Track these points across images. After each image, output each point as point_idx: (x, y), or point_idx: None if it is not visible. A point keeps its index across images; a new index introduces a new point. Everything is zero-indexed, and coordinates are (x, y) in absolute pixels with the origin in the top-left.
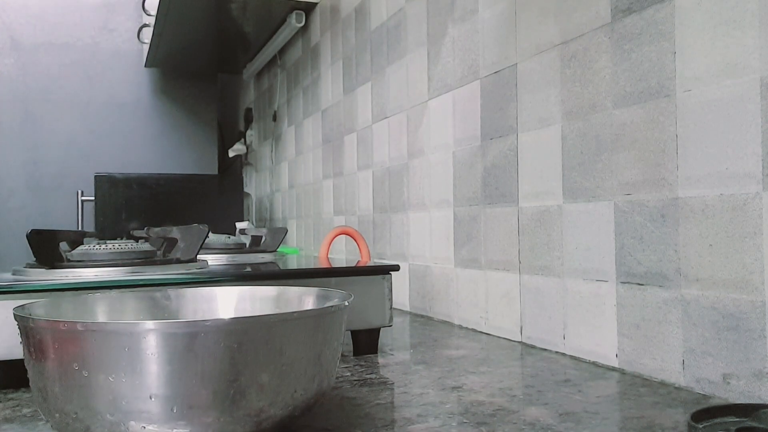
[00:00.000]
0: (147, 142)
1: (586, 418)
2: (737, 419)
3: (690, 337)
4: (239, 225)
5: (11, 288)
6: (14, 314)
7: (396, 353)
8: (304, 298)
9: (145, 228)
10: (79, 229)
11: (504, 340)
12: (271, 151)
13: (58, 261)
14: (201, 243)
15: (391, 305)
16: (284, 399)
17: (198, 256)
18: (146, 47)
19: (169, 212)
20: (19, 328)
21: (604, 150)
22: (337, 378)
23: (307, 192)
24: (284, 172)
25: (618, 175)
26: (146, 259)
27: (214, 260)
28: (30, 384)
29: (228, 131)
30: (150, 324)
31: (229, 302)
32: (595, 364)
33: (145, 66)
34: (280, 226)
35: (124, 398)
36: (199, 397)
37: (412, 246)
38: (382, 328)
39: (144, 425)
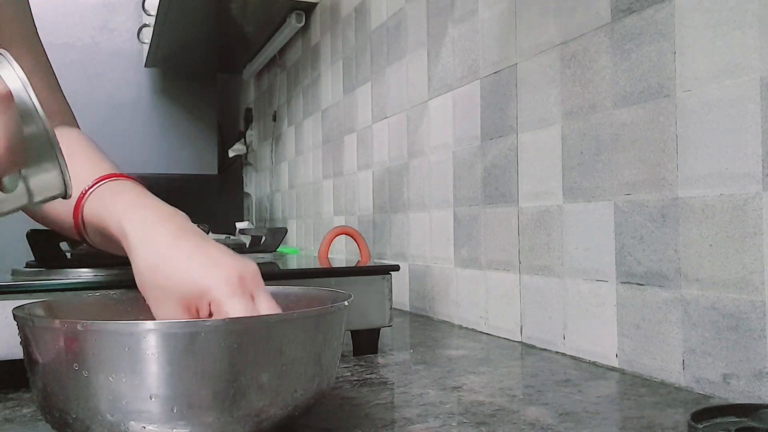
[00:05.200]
0: (147, 142)
1: (586, 418)
2: (737, 419)
3: (690, 337)
4: (239, 225)
5: (11, 288)
6: (13, 314)
7: (396, 353)
8: (303, 298)
9: None
10: None
11: (504, 340)
12: (271, 151)
13: (58, 261)
14: None
15: (391, 305)
16: (284, 399)
17: None
18: (146, 47)
19: None
20: (18, 328)
21: (604, 150)
22: (337, 378)
23: (307, 192)
24: (284, 172)
25: (618, 175)
26: None
27: None
28: (30, 384)
29: (228, 131)
30: (150, 324)
31: None
32: (595, 364)
33: (145, 66)
34: (280, 226)
35: (124, 398)
36: (199, 397)
37: (412, 246)
38: (382, 328)
39: (144, 425)
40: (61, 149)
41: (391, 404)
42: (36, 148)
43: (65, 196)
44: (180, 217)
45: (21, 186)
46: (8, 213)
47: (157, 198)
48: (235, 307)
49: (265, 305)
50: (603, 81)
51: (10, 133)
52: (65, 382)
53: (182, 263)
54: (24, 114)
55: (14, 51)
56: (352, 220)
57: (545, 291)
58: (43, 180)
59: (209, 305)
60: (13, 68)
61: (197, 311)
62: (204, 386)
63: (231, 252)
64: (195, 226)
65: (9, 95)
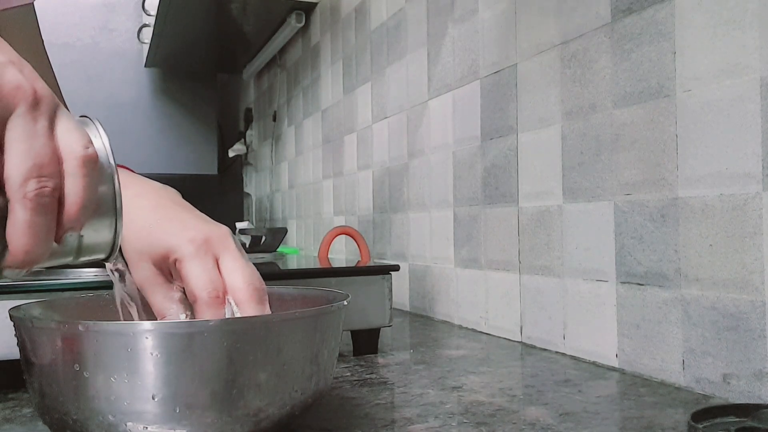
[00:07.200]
0: (147, 142)
1: (586, 418)
2: (737, 419)
3: (690, 337)
4: (239, 225)
5: (10, 288)
6: (10, 315)
7: (396, 353)
8: (300, 299)
9: None
10: None
11: (504, 340)
12: (271, 151)
13: None
14: None
15: (391, 305)
16: (282, 398)
17: None
18: (146, 47)
19: None
20: (15, 329)
21: (604, 150)
22: (337, 378)
23: (307, 192)
24: (284, 172)
25: (618, 175)
26: None
27: None
28: (27, 386)
29: (228, 131)
30: (151, 324)
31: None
32: (595, 364)
33: (145, 66)
34: (280, 226)
35: (125, 399)
36: (200, 397)
37: (412, 246)
38: (382, 328)
39: (145, 426)
40: (122, 215)
41: (391, 404)
42: (101, 210)
43: (107, 259)
44: (165, 191)
45: (75, 244)
46: (48, 267)
47: (146, 178)
48: (193, 267)
49: (230, 266)
50: (603, 81)
51: (87, 194)
52: (65, 384)
53: (156, 227)
54: (101, 176)
55: None
56: (352, 220)
57: (545, 291)
58: (95, 240)
59: (176, 264)
60: (99, 132)
61: (170, 273)
62: (205, 386)
63: (207, 219)
64: (182, 200)
65: (95, 158)
